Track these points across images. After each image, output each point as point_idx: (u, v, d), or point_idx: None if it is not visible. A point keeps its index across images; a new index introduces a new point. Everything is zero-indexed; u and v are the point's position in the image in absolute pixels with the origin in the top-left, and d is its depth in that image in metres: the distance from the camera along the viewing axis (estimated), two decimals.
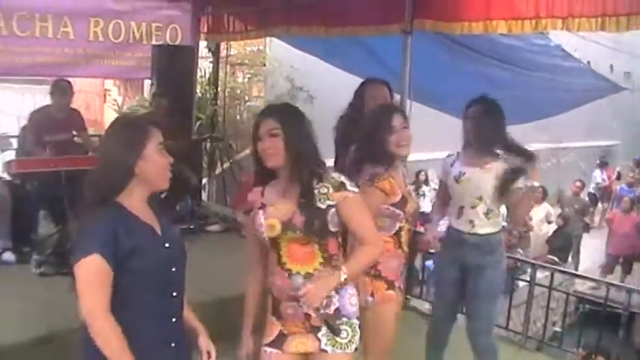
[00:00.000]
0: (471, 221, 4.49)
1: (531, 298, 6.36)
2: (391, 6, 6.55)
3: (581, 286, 11.92)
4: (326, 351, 3.14)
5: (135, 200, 2.71)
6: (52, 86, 7.22)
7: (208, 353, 2.95)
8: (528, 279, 6.70)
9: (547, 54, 7.75)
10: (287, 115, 3.15)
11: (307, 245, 3.10)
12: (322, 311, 3.10)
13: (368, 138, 3.87)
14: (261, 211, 3.15)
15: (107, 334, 2.49)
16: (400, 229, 3.89)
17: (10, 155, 7.80)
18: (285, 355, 3.18)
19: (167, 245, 2.75)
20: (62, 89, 7.15)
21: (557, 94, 9.29)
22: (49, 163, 6.25)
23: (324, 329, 3.14)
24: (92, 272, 2.50)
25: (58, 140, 6.90)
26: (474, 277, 4.53)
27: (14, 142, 8.44)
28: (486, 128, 4.44)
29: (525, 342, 6.32)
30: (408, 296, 6.91)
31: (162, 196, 7.96)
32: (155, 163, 2.70)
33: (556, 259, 12.56)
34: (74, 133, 7.23)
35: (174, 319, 2.79)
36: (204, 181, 9.47)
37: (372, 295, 3.82)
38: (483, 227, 4.48)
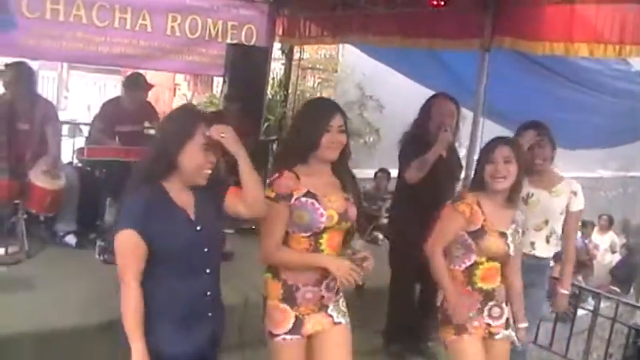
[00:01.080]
0: (532, 243, 4.50)
1: (593, 327, 6.22)
2: (471, 21, 6.48)
3: None
4: (340, 322, 3.45)
5: (175, 185, 2.90)
6: (128, 79, 7.33)
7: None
8: (589, 308, 6.55)
9: (627, 80, 7.56)
10: (346, 117, 3.35)
11: (341, 234, 3.39)
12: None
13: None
14: (314, 201, 3.24)
15: (128, 297, 2.76)
16: (475, 264, 3.80)
17: (80, 142, 7.93)
18: (303, 339, 3.36)
19: (198, 228, 2.93)
20: (138, 83, 7.24)
21: (633, 122, 9.07)
22: (119, 153, 6.34)
23: (332, 305, 3.43)
24: (126, 244, 2.77)
25: (128, 131, 6.99)
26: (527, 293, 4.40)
27: (84, 130, 8.59)
28: (552, 151, 4.49)
29: None
30: None
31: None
32: (193, 161, 2.85)
33: (617, 289, 12.27)
34: (146, 124, 7.29)
35: (208, 293, 3.00)
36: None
37: (445, 344, 3.92)
38: (542, 251, 4.48)
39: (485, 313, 3.86)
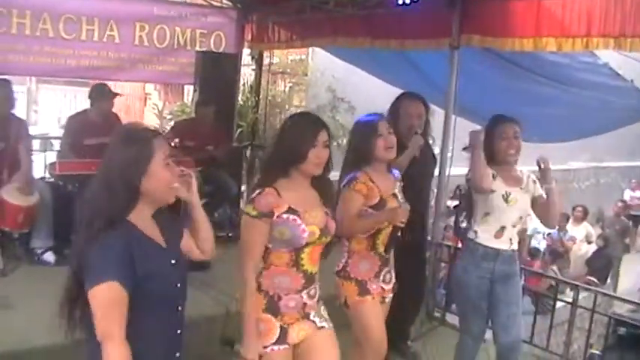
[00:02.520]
0: (510, 239, 4.56)
1: (573, 319, 6.25)
2: (439, 20, 6.50)
3: (620, 309, 11.72)
4: (323, 326, 3.50)
5: (142, 217, 2.67)
6: (92, 90, 7.27)
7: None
8: (568, 300, 6.59)
9: (594, 72, 7.60)
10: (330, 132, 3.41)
11: (321, 248, 3.43)
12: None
13: (357, 143, 4.11)
14: (295, 217, 3.26)
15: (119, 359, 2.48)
16: (378, 231, 4.02)
17: (52, 156, 7.87)
18: (291, 347, 3.38)
19: (173, 262, 2.76)
20: (102, 93, 7.19)
21: (602, 114, 9.15)
22: (90, 166, 6.27)
23: (313, 312, 3.46)
24: (109, 298, 2.47)
25: (96, 143, 6.93)
26: (504, 286, 4.57)
27: (55, 144, 8.53)
28: (520, 148, 4.55)
29: None
30: (447, 312, 6.85)
31: (202, 202, 7.97)
32: (160, 179, 2.64)
33: (595, 280, 12.37)
34: None
35: (179, 331, 2.83)
36: (243, 188, 9.45)
37: (346, 302, 4.08)
38: (516, 244, 4.61)
39: (381, 277, 4.11)
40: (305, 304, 3.40)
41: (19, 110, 7.55)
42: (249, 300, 3.27)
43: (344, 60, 9.56)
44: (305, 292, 3.38)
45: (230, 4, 9.51)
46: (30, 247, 6.34)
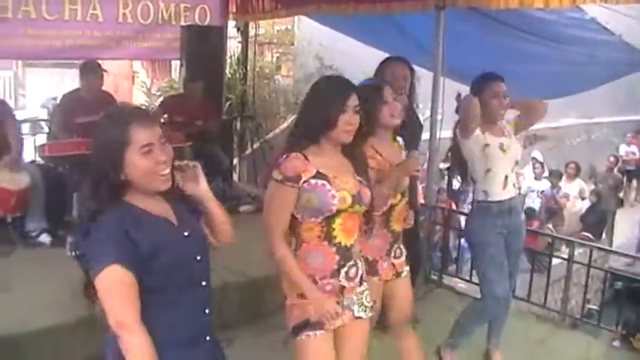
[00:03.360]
0: (514, 185, 4.63)
1: (570, 275, 6.29)
2: None
3: (615, 263, 11.80)
4: (360, 317, 3.30)
5: (141, 197, 2.53)
6: (81, 68, 7.22)
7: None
8: (564, 256, 6.62)
9: (581, 27, 7.59)
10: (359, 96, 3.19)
11: (355, 219, 3.23)
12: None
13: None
14: (325, 182, 3.08)
15: (139, 350, 2.35)
16: (392, 206, 3.85)
17: (42, 138, 7.84)
18: (328, 333, 3.19)
19: (186, 234, 2.60)
20: (91, 70, 7.14)
21: (591, 69, 9.13)
22: (80, 146, 6.25)
23: (354, 297, 3.26)
24: (115, 283, 2.34)
25: (88, 122, 6.89)
26: (517, 237, 4.70)
27: (44, 126, 8.49)
28: (508, 106, 4.61)
29: (562, 320, 6.27)
30: (443, 275, 6.88)
31: None
32: (138, 169, 2.45)
33: (590, 235, 12.43)
34: None
35: (207, 310, 2.67)
36: (235, 161, 9.45)
37: None
38: (517, 186, 4.73)
39: (392, 254, 3.95)
40: (343, 287, 3.21)
41: (7, 95, 7.55)
42: (288, 262, 3.11)
43: (330, 27, 9.51)
44: (343, 272, 3.17)
45: None
46: (25, 230, 6.31)
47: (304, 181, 3.06)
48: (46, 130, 8.05)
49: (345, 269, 3.19)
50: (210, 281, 2.70)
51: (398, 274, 3.99)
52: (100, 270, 2.32)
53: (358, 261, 3.27)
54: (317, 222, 3.12)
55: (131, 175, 2.45)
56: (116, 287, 2.34)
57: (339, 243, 3.16)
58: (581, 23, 7.48)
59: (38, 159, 7.08)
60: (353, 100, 3.11)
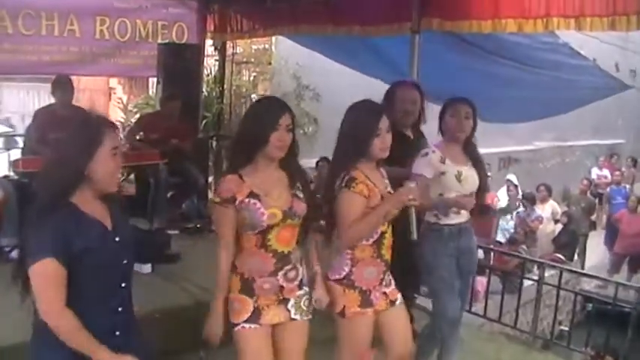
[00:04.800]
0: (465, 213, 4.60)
1: (540, 297, 6.34)
2: (398, 5, 6.52)
3: (588, 285, 11.90)
4: (295, 319, 3.48)
5: (86, 198, 2.73)
6: (53, 83, 7.20)
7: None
8: (535, 278, 6.69)
9: (554, 51, 7.70)
10: (293, 115, 3.41)
11: (291, 229, 3.42)
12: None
13: (352, 139, 3.69)
14: (256, 201, 3.29)
15: (70, 329, 2.60)
16: (382, 234, 3.81)
17: (16, 154, 7.80)
18: (262, 327, 3.38)
19: (117, 239, 2.81)
20: (62, 85, 7.09)
21: (564, 93, 9.24)
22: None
23: (292, 300, 3.46)
24: (47, 276, 2.58)
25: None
26: (469, 259, 4.68)
27: (19, 141, 8.45)
28: (469, 128, 4.55)
29: (533, 341, 6.31)
30: (415, 295, 6.90)
31: (169, 195, 7.96)
32: (105, 167, 2.72)
33: (562, 257, 12.51)
34: None
35: (120, 309, 2.85)
36: (211, 179, 9.44)
37: (344, 311, 3.74)
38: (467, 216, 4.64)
39: (384, 283, 3.88)
40: (282, 287, 3.41)
41: None
42: (218, 279, 3.36)
43: (307, 47, 9.58)
44: (281, 273, 3.39)
45: None
46: None
47: (240, 202, 3.29)
48: (21, 144, 8.01)
49: (283, 272, 3.40)
50: (130, 283, 2.91)
51: (392, 303, 3.91)
52: (36, 261, 2.57)
53: (299, 266, 3.49)
54: (253, 234, 3.33)
55: (94, 171, 2.68)
56: (49, 279, 2.58)
57: (275, 250, 3.37)
58: (555, 47, 7.59)
59: (12, 174, 7.04)
60: (285, 119, 3.30)
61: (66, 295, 2.61)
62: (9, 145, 8.69)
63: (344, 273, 3.77)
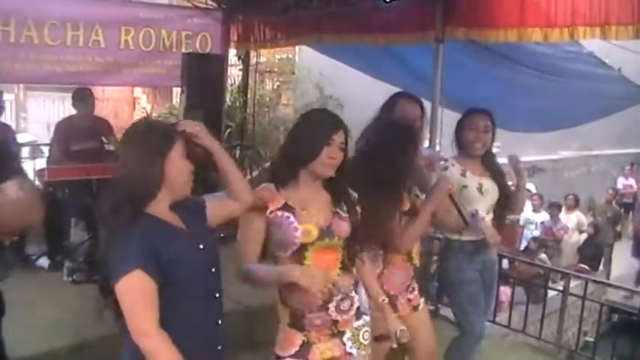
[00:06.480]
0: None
1: (565, 307, 6.29)
2: (423, 14, 6.53)
3: (613, 296, 11.79)
4: (351, 354, 3.15)
5: (162, 207, 2.63)
6: (74, 96, 7.25)
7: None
8: (560, 288, 6.64)
9: (580, 61, 7.65)
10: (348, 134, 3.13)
11: (333, 252, 3.08)
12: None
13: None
14: (290, 214, 3.00)
15: (162, 353, 2.43)
16: None
17: (41, 163, 7.86)
18: None
19: (202, 247, 2.69)
20: (84, 97, 7.17)
21: (589, 102, 9.19)
22: (80, 172, 6.29)
23: (348, 333, 3.13)
24: (137, 290, 2.42)
25: (84, 149, 6.92)
26: (491, 271, 4.61)
27: (45, 150, 8.51)
28: (487, 142, 4.49)
29: (558, 352, 6.26)
30: (439, 305, 6.87)
31: None
32: (180, 168, 2.64)
33: (587, 267, 12.42)
34: (103, 140, 7.21)
35: (219, 322, 2.74)
36: None
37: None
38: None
39: (409, 289, 3.94)
40: (335, 321, 3.07)
41: (7, 118, 7.60)
42: (264, 273, 3.02)
43: (330, 57, 9.58)
44: (331, 306, 3.04)
45: (215, 4, 9.51)
46: (24, 253, 6.33)
47: (270, 212, 3.00)
48: (47, 154, 8.06)
49: (334, 303, 3.06)
50: (222, 293, 2.76)
51: (414, 308, 3.97)
52: (124, 275, 2.41)
53: (352, 294, 3.13)
54: (286, 256, 3.02)
55: (169, 172, 2.58)
56: (139, 293, 2.42)
57: None
58: (579, 57, 7.53)
59: (37, 183, 7.08)
60: (339, 136, 3.02)
61: (161, 312, 2.46)
62: (34, 154, 8.73)
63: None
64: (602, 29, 5.26)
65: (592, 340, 7.63)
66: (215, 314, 2.73)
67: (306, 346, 3.05)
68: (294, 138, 3.13)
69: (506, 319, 6.79)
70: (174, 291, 2.52)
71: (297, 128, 3.18)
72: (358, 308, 3.18)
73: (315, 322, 3.04)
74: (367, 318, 3.25)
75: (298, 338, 3.05)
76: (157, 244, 2.49)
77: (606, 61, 8.33)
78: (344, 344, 3.13)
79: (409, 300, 3.94)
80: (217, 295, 2.75)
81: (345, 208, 3.15)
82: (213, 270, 2.73)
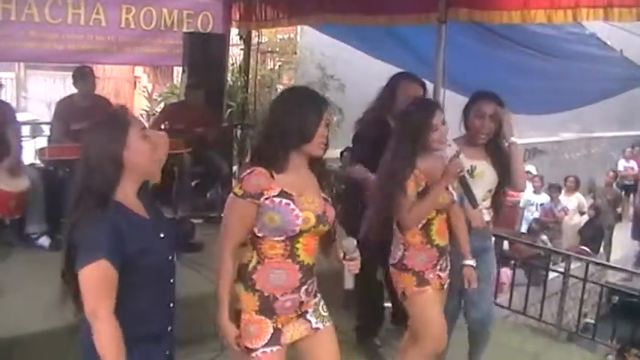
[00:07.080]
0: (482, 213, 4.47)
1: (566, 289, 6.31)
2: None
3: (613, 277, 11.82)
4: (318, 328, 3.22)
5: (128, 194, 2.67)
6: (74, 74, 7.22)
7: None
8: (560, 270, 6.65)
9: (582, 42, 7.61)
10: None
11: (316, 236, 3.13)
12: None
13: (411, 136, 3.89)
14: (289, 201, 2.97)
15: (108, 337, 2.51)
16: (429, 221, 3.90)
17: (42, 141, 7.85)
18: (283, 348, 3.11)
19: (162, 235, 2.76)
20: (84, 76, 7.13)
21: (591, 84, 9.16)
22: (80, 151, 6.26)
23: (310, 310, 3.20)
24: (99, 278, 2.49)
25: (85, 128, 6.88)
26: (484, 262, 4.47)
27: (45, 129, 8.50)
28: (492, 131, 4.44)
29: (558, 333, 6.28)
30: None
31: (193, 184, 7.98)
32: (140, 150, 2.64)
33: (588, 249, 12.44)
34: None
35: (171, 304, 2.83)
36: (235, 168, 9.46)
37: (404, 293, 3.97)
38: (488, 216, 4.55)
39: (438, 267, 3.99)
40: (302, 302, 3.11)
41: (8, 97, 7.60)
42: (222, 281, 3.06)
43: (332, 37, 9.53)
44: (303, 288, 3.08)
45: None
46: (24, 232, 6.32)
47: (266, 198, 2.96)
48: (47, 132, 8.05)
49: (306, 286, 3.11)
50: (175, 278, 2.85)
51: (441, 286, 4.05)
52: (89, 262, 2.48)
53: (314, 278, 3.20)
54: (280, 240, 3.01)
55: (132, 158, 2.61)
56: (100, 281, 2.50)
57: (302, 261, 3.05)
58: (581, 38, 7.50)
59: (38, 162, 7.08)
60: (327, 114, 3.04)
61: (120, 296, 2.53)
62: (35, 133, 8.72)
63: (397, 257, 3.97)
64: (605, 11, 5.21)
65: (592, 321, 7.68)
66: (168, 298, 2.82)
67: (277, 331, 3.07)
68: (282, 118, 3.05)
69: (507, 300, 6.82)
70: (137, 279, 2.61)
71: (284, 107, 3.12)
72: (316, 288, 3.26)
73: (286, 304, 3.06)
74: (319, 295, 3.31)
75: (268, 326, 3.05)
76: (124, 235, 2.54)
77: (608, 42, 8.30)
78: (309, 321, 3.19)
79: (439, 276, 4.00)
80: (171, 281, 2.82)
81: (326, 191, 3.25)
82: (170, 258, 2.81)
